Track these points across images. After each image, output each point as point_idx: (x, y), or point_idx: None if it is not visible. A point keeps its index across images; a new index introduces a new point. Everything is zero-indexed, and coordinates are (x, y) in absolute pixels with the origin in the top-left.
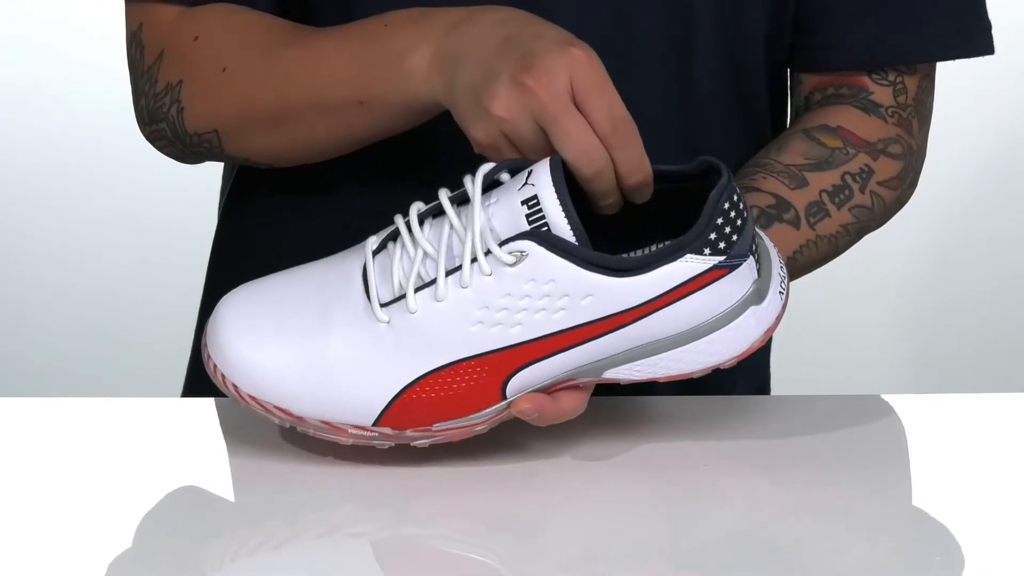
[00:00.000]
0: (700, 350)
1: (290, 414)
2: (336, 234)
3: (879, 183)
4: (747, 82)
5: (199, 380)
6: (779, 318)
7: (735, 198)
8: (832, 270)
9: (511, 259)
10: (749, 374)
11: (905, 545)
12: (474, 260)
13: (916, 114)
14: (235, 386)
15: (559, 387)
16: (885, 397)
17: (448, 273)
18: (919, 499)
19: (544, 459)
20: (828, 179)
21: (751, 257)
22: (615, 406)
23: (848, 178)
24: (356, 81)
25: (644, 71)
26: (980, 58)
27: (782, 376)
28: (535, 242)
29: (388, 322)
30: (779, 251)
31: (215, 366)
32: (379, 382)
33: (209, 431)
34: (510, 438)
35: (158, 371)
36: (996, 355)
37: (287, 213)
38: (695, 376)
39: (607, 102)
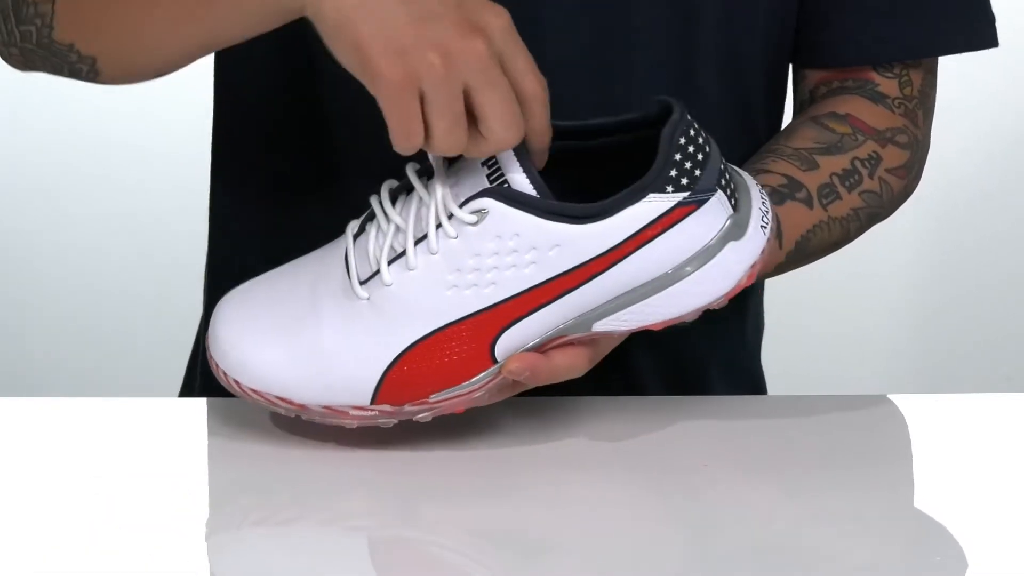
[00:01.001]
0: (685, 291)
1: (293, 403)
2: (325, 223)
3: (887, 170)
4: (745, 78)
5: (196, 380)
6: (764, 252)
7: (691, 132)
8: (830, 269)
9: (473, 218)
10: (739, 375)
11: (905, 545)
12: (439, 226)
13: (921, 106)
14: (237, 382)
15: (552, 345)
16: (883, 397)
17: (416, 242)
18: (920, 499)
19: (543, 459)
20: (838, 163)
21: (719, 191)
22: (613, 406)
23: (857, 163)
24: None
25: (644, 67)
26: (979, 59)
27: (778, 374)
28: (493, 198)
29: (368, 299)
30: (763, 189)
31: (217, 365)
32: (368, 359)
33: (206, 431)
34: (496, 431)
35: (155, 371)
36: (996, 355)
37: (270, 216)
38: (687, 320)
39: (532, 67)
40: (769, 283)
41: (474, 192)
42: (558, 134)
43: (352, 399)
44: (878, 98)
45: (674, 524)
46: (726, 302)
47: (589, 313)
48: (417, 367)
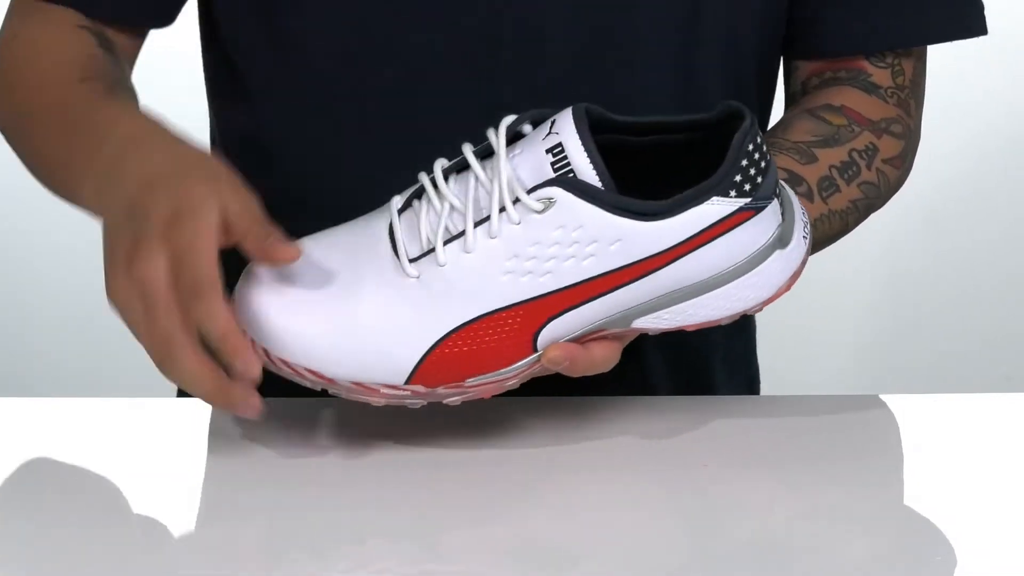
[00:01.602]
0: (728, 295)
1: (322, 376)
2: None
3: (884, 161)
4: (743, 71)
5: None
6: (803, 263)
7: (758, 140)
8: (829, 268)
9: (539, 206)
10: (737, 367)
11: (906, 545)
12: (502, 210)
13: (913, 95)
14: (265, 350)
15: (589, 338)
16: (884, 397)
17: (477, 224)
18: (920, 499)
19: (541, 460)
20: (836, 155)
21: (775, 200)
22: (613, 406)
23: (855, 155)
24: (64, 161)
25: (647, 62)
26: (978, 59)
27: (775, 374)
28: (563, 188)
29: (418, 277)
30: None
31: (244, 331)
32: (411, 338)
33: (206, 431)
34: (502, 432)
35: (155, 371)
36: (996, 355)
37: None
38: (722, 323)
39: (208, 311)
40: None
41: (542, 180)
42: (618, 128)
43: (386, 377)
44: (871, 88)
45: (678, 523)
46: (762, 309)
47: (633, 309)
48: (459, 350)
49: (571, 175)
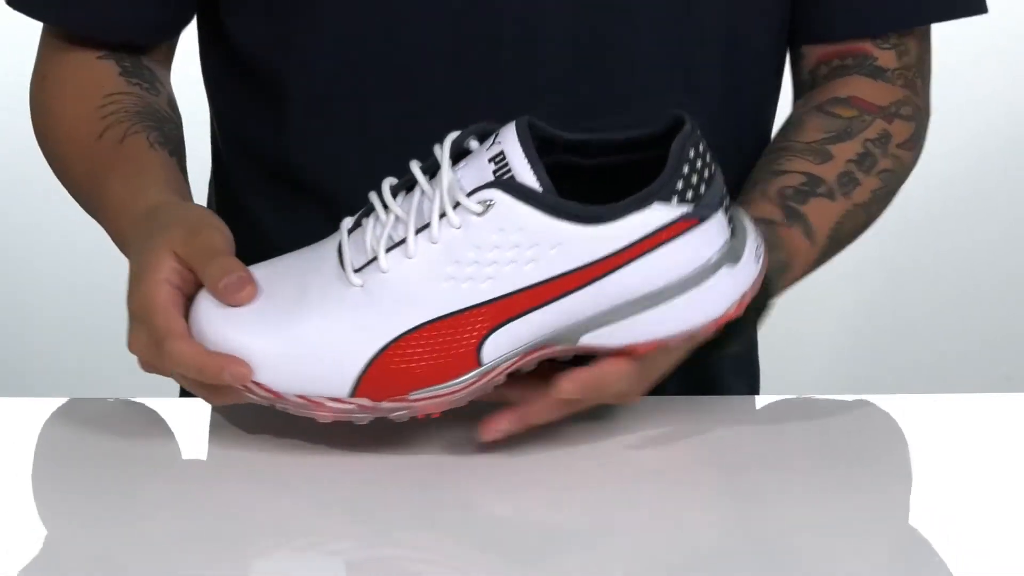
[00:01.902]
0: (676, 311)
1: (269, 390)
2: (321, 228)
3: (898, 145)
4: (746, 64)
5: None
6: (756, 284)
7: (701, 148)
8: (828, 268)
9: (479, 208)
10: (742, 366)
11: (906, 545)
12: (443, 215)
13: (919, 74)
14: None
15: (536, 356)
16: (884, 397)
17: (418, 231)
18: (920, 499)
19: (540, 461)
20: (851, 148)
21: (721, 212)
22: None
23: (870, 144)
24: (100, 214)
25: (646, 60)
26: (972, 59)
27: (774, 374)
28: (502, 190)
29: (362, 286)
30: (756, 222)
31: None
32: (354, 347)
33: (207, 431)
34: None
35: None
36: (996, 355)
37: (269, 212)
38: (671, 345)
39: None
40: None
41: (481, 183)
42: (565, 146)
43: (331, 389)
44: (877, 73)
45: (678, 523)
46: (712, 331)
47: (579, 324)
48: (401, 360)
49: (512, 179)
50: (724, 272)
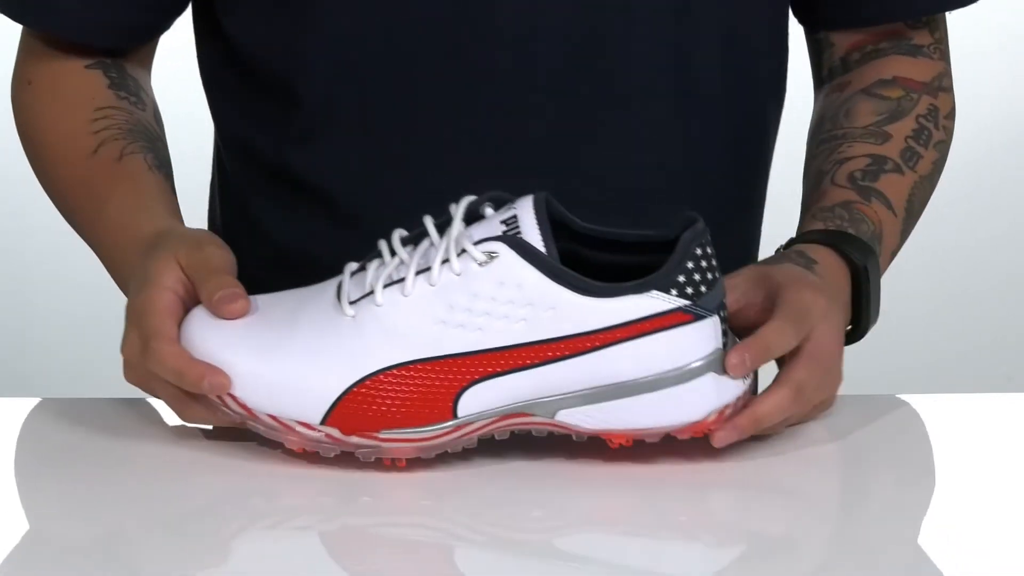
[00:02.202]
0: (654, 405)
1: (242, 404)
2: (322, 228)
3: (945, 117)
4: (745, 64)
5: None
6: (740, 401)
7: (708, 250)
8: None
9: (482, 257)
10: None
11: (907, 544)
12: (446, 261)
13: (946, 43)
14: None
15: (512, 424)
16: (884, 397)
17: (418, 272)
18: (920, 498)
19: (541, 460)
20: (907, 126)
21: (716, 317)
22: None
23: (922, 120)
24: (93, 228)
25: (643, 59)
26: (972, 59)
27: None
28: (507, 245)
29: (354, 317)
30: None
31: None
32: (333, 374)
33: (205, 431)
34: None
35: None
36: (996, 355)
37: (270, 211)
38: (646, 439)
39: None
40: None
41: (488, 236)
42: (576, 236)
43: (303, 413)
44: (915, 51)
45: (678, 522)
46: (685, 436)
47: (557, 398)
48: (377, 395)
49: (520, 236)
50: (710, 378)
